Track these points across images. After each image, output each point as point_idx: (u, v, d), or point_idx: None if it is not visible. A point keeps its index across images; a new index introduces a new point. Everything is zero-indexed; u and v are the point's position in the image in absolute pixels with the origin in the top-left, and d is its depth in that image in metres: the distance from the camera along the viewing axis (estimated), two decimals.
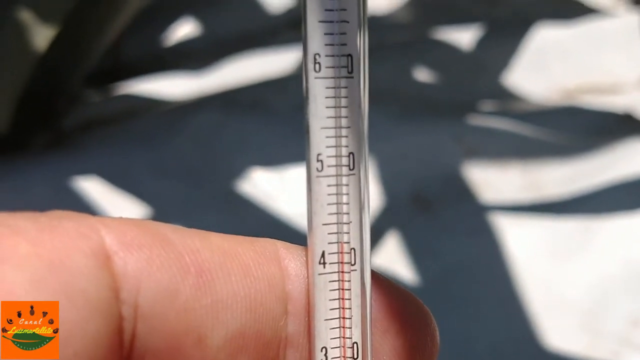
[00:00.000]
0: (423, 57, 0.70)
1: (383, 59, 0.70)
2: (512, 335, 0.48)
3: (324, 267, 0.14)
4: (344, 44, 0.14)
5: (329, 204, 0.14)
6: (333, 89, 0.14)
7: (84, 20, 0.57)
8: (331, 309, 0.14)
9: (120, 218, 0.13)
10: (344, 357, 0.14)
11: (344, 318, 0.14)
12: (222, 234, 0.14)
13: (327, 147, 0.14)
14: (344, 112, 0.14)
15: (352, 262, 0.14)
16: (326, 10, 0.14)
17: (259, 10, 0.76)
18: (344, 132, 0.14)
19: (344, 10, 0.14)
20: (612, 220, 0.54)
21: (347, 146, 0.14)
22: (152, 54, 0.73)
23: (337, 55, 0.14)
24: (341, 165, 0.14)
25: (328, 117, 0.14)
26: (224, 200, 0.58)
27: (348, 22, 0.14)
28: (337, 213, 0.14)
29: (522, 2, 0.76)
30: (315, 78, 0.14)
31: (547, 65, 0.69)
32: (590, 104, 0.65)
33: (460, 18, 0.74)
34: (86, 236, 0.12)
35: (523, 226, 0.54)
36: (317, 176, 0.14)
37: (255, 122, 0.63)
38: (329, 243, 0.14)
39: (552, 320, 0.49)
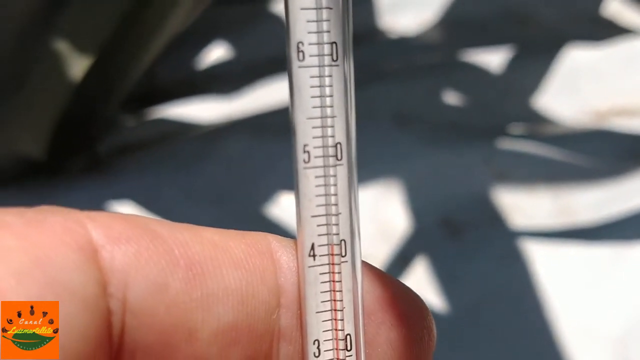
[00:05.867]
0: (452, 79, 0.70)
1: (412, 80, 0.70)
2: None
3: (314, 259, 0.14)
4: (328, 31, 0.13)
5: (317, 196, 0.14)
6: (318, 78, 0.13)
7: (119, 49, 0.58)
8: (322, 301, 0.14)
9: (108, 212, 0.13)
10: (336, 349, 0.14)
11: (335, 310, 0.14)
12: (212, 228, 0.13)
13: (314, 137, 0.14)
14: (329, 101, 0.14)
15: (343, 254, 0.14)
16: None
17: None
18: (330, 122, 0.14)
19: None
20: None
21: (333, 136, 0.14)
22: (184, 78, 0.74)
23: (321, 43, 0.13)
24: (328, 156, 0.14)
25: (314, 107, 0.13)
26: (253, 224, 0.58)
27: (331, 8, 0.13)
28: (325, 204, 0.14)
29: (553, 23, 0.76)
30: (299, 67, 0.13)
31: (579, 87, 0.68)
32: (622, 126, 0.64)
33: (490, 40, 0.73)
34: (72, 230, 0.12)
35: (553, 252, 0.54)
36: (305, 167, 0.14)
37: (285, 146, 0.63)
38: (319, 235, 0.14)
39: (582, 349, 0.48)
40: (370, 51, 0.75)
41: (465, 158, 0.61)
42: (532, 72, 0.69)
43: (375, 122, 0.65)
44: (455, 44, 0.74)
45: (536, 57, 0.71)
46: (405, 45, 0.75)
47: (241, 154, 0.63)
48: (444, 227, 0.57)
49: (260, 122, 0.67)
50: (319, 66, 0.13)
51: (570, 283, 0.52)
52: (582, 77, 0.68)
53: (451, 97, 0.69)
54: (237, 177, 0.62)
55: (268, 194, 0.60)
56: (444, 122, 0.66)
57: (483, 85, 0.69)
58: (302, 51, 0.13)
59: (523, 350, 0.49)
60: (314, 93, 0.13)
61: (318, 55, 0.13)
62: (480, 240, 0.55)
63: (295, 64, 0.13)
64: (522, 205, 0.58)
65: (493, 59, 0.71)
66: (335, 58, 0.13)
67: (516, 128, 0.65)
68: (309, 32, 0.13)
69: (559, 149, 0.62)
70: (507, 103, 0.68)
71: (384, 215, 0.58)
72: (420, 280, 0.53)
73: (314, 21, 0.13)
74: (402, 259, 0.55)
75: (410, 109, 0.67)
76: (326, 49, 0.13)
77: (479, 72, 0.70)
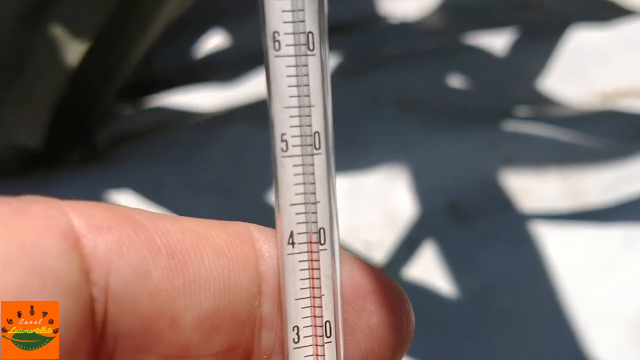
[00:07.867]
0: (456, 63, 0.69)
1: (415, 66, 0.69)
2: (556, 350, 0.47)
3: (293, 247, 0.14)
4: (303, 21, 0.13)
5: (295, 184, 0.14)
6: (294, 68, 0.14)
7: (116, 35, 0.57)
8: (301, 289, 0.14)
9: (90, 202, 0.13)
10: (315, 335, 0.14)
11: (314, 297, 0.14)
12: (194, 218, 0.14)
13: (291, 127, 0.14)
14: (306, 90, 0.14)
15: (322, 242, 0.14)
16: None
17: None
18: (307, 111, 0.14)
19: None
20: None
21: (310, 125, 0.14)
22: (182, 66, 0.73)
23: (297, 33, 0.13)
24: (306, 145, 0.14)
25: (290, 97, 0.14)
26: (255, 212, 0.57)
27: None
28: (304, 193, 0.14)
29: (557, 5, 0.75)
30: (275, 57, 0.13)
31: (584, 69, 0.67)
32: (630, 107, 0.64)
33: (493, 23, 0.73)
34: (55, 218, 0.12)
35: (564, 235, 0.53)
36: (283, 156, 0.14)
37: None
38: (298, 223, 0.14)
39: (597, 333, 0.47)
40: (371, 37, 0.74)
41: (471, 142, 0.60)
42: (537, 54, 0.69)
43: (379, 109, 0.64)
44: (457, 28, 0.73)
45: (540, 39, 0.70)
46: (407, 30, 0.74)
47: (241, 142, 0.62)
48: (451, 212, 0.56)
49: (259, 110, 0.66)
50: (295, 55, 0.13)
51: (581, 266, 0.51)
52: (587, 59, 0.68)
53: (455, 81, 0.68)
54: (237, 165, 0.61)
55: (269, 182, 0.59)
56: (448, 106, 0.65)
57: (488, 68, 0.69)
58: (278, 41, 0.13)
59: (535, 335, 0.48)
60: (290, 82, 0.14)
61: (294, 45, 0.13)
62: (489, 225, 0.54)
63: (271, 53, 0.13)
64: (531, 189, 0.57)
65: (496, 42, 0.70)
66: (311, 47, 0.14)
67: (522, 111, 0.64)
68: (285, 22, 0.13)
69: (567, 131, 0.61)
70: (513, 86, 0.67)
71: (390, 201, 0.57)
72: (428, 266, 0.52)
73: (289, 11, 0.13)
74: (410, 245, 0.54)
75: (414, 94, 0.66)
76: (302, 38, 0.13)
77: (483, 56, 0.70)
